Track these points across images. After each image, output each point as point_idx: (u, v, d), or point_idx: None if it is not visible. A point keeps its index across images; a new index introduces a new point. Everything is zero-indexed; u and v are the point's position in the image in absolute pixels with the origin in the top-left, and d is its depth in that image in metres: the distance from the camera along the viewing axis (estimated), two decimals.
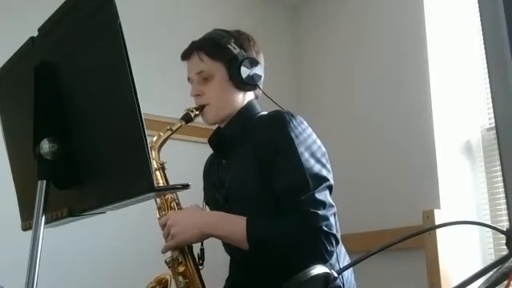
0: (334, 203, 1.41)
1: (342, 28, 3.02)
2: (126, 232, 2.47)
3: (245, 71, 1.52)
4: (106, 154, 0.96)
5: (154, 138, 1.53)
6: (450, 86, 2.46)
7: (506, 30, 0.69)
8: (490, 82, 0.71)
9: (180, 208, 1.53)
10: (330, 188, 1.43)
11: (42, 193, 0.97)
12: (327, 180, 1.42)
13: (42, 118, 1.00)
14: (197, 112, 1.54)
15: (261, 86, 1.60)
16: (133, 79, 0.86)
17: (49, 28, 1.06)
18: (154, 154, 1.51)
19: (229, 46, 1.53)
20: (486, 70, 0.72)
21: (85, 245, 2.37)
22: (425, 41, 2.47)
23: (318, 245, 1.33)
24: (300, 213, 1.36)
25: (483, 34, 0.72)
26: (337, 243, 1.37)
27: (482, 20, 0.72)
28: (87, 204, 0.99)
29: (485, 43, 0.72)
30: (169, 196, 1.52)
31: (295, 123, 1.45)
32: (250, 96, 1.61)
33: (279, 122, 1.44)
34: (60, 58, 1.04)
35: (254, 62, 1.54)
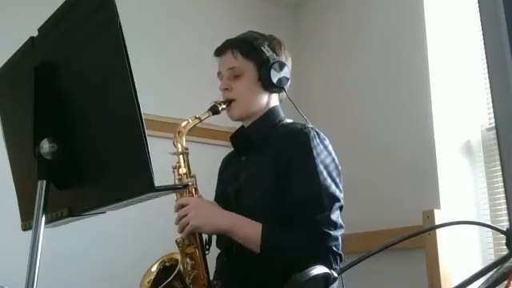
0: (343, 224, 1.48)
1: (342, 28, 3.02)
2: (126, 232, 2.47)
3: (274, 74, 1.59)
4: (106, 153, 0.96)
5: (183, 124, 1.58)
6: (450, 86, 2.46)
7: (506, 30, 0.69)
8: (490, 82, 0.71)
9: (197, 194, 1.57)
10: (341, 208, 1.50)
11: (42, 193, 0.97)
12: (339, 201, 1.49)
13: (42, 118, 1.00)
14: (224, 106, 1.60)
15: (287, 90, 1.66)
16: (133, 79, 0.86)
17: (49, 28, 1.06)
18: (180, 138, 1.57)
19: (262, 48, 1.60)
20: (486, 70, 0.72)
21: (85, 245, 2.37)
22: (425, 41, 2.47)
23: (326, 263, 1.38)
24: (314, 231, 1.42)
25: (483, 34, 0.72)
26: (340, 261, 1.45)
27: (482, 20, 0.72)
28: (87, 204, 0.99)
29: (485, 43, 0.72)
30: (189, 179, 1.57)
31: (318, 141, 1.52)
32: (274, 98, 1.68)
33: (303, 139, 1.51)
34: (60, 57, 1.04)
35: (283, 66, 1.62)
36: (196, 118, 1.58)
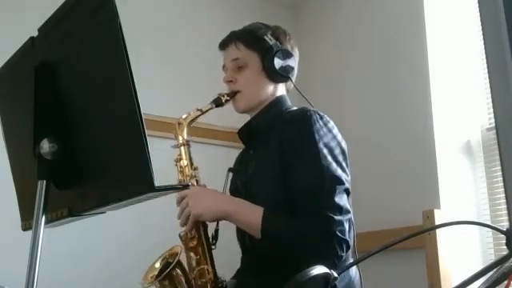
0: (350, 209, 1.42)
1: (342, 28, 3.02)
2: (127, 232, 2.47)
3: (278, 62, 1.56)
4: (106, 153, 0.96)
5: (184, 116, 1.57)
6: (450, 86, 2.46)
7: (506, 30, 0.69)
8: (490, 82, 0.71)
9: (200, 185, 1.55)
10: (347, 192, 1.45)
11: (42, 193, 0.97)
12: (345, 184, 1.43)
13: (42, 118, 1.00)
14: (228, 98, 1.58)
15: (293, 79, 1.63)
16: (133, 79, 0.86)
17: (49, 28, 1.06)
18: (181, 130, 1.56)
19: (265, 37, 1.58)
20: (486, 70, 0.72)
21: (85, 245, 2.37)
22: (425, 41, 2.47)
23: (330, 249, 1.35)
24: (317, 216, 1.37)
25: (483, 34, 0.72)
26: (347, 249, 1.38)
27: (482, 20, 0.72)
28: (87, 204, 0.99)
29: (485, 43, 0.72)
30: (190, 172, 1.55)
31: (321, 123, 1.47)
32: (281, 88, 1.64)
33: (305, 122, 1.46)
34: (60, 57, 1.04)
35: (287, 54, 1.59)
36: (198, 109, 1.57)
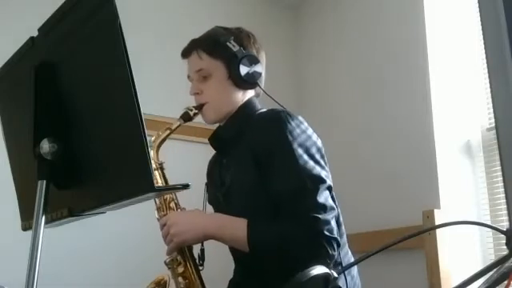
0: (334, 205, 1.39)
1: (342, 28, 3.02)
2: (128, 232, 2.47)
3: (244, 69, 1.50)
4: (106, 153, 0.96)
5: (153, 138, 1.51)
6: (450, 87, 2.46)
7: (506, 30, 0.69)
8: (490, 82, 0.71)
9: (179, 208, 1.52)
10: (329, 189, 1.41)
11: (42, 193, 0.97)
12: (325, 182, 1.40)
13: (42, 118, 1.00)
14: (196, 111, 1.53)
15: (261, 84, 1.58)
16: (133, 79, 0.86)
17: (49, 28, 1.06)
18: (152, 153, 1.49)
19: (228, 43, 1.51)
20: (486, 70, 0.72)
21: (85, 245, 2.37)
22: (425, 41, 2.47)
23: (320, 249, 1.32)
24: (301, 218, 1.34)
25: (483, 34, 0.72)
26: (338, 246, 1.35)
27: (482, 20, 0.72)
28: (87, 204, 0.99)
29: (485, 43, 0.72)
30: (167, 196, 1.51)
31: (293, 124, 1.42)
32: (250, 94, 1.58)
33: (276, 123, 1.42)
34: (60, 57, 1.04)
35: (253, 60, 1.52)
36: (166, 128, 1.52)
